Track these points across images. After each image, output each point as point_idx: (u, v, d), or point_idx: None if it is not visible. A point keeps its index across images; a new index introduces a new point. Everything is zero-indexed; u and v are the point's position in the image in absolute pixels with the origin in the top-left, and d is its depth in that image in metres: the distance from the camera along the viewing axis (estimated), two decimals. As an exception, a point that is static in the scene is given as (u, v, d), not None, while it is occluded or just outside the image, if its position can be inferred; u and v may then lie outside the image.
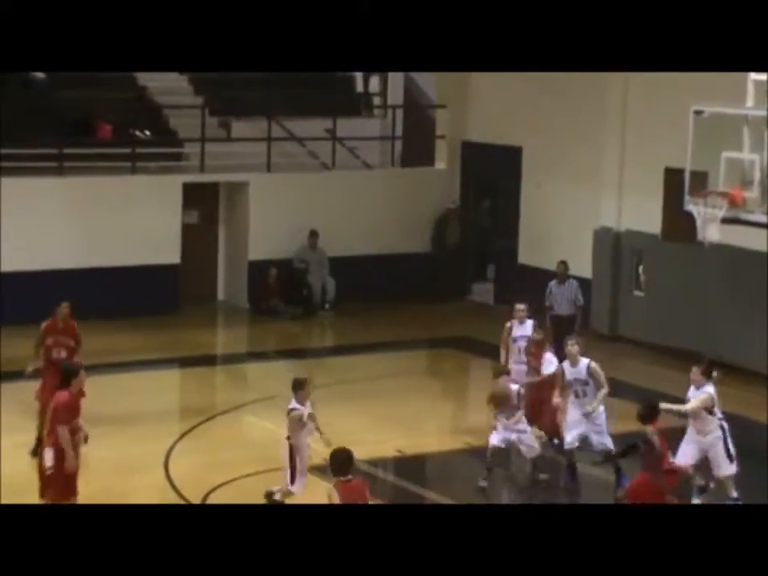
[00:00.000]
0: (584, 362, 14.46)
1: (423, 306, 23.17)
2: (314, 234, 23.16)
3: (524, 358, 15.73)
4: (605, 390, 14.41)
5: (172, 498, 13.65)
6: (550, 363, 15.23)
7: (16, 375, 17.16)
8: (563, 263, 18.93)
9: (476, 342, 21.24)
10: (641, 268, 21.17)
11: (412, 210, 24.11)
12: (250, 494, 13.85)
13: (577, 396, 14.50)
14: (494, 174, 24.23)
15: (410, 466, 15.53)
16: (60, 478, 11.85)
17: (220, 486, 14.01)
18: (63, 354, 15.06)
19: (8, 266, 20.82)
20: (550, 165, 22.71)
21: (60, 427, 11.80)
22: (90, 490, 13.69)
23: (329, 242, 23.16)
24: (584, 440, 14.46)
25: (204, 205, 23.30)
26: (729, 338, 19.22)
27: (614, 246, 21.40)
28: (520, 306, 16.05)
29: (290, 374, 16.60)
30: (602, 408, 14.48)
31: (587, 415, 14.33)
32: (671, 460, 12.35)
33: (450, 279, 24.23)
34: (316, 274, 23.24)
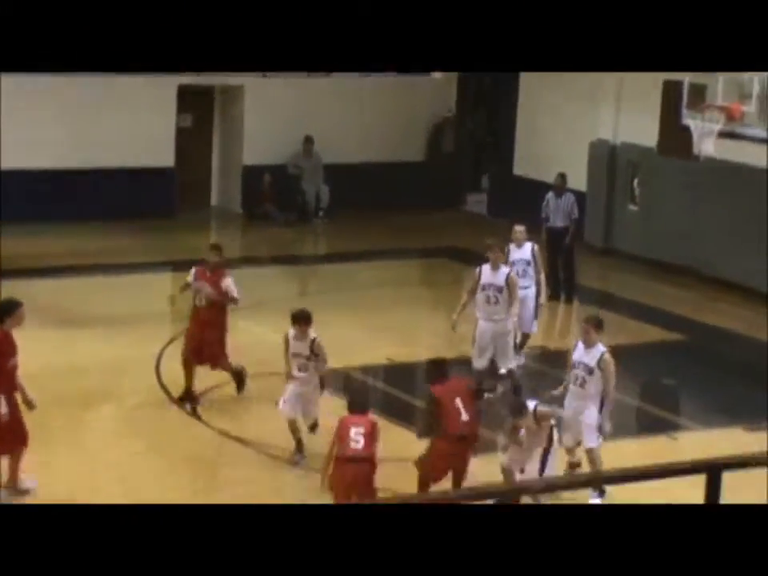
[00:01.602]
0: (504, 270, 13.95)
1: (417, 215, 23.15)
2: (309, 140, 23.05)
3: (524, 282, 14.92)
4: (516, 307, 13.96)
5: (161, 398, 13.72)
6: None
7: (12, 274, 17.19)
8: (561, 175, 18.86)
9: (469, 252, 21.23)
10: (636, 181, 21.12)
11: (408, 117, 23.98)
12: (239, 397, 13.94)
13: (488, 302, 13.93)
14: (490, 84, 24.07)
15: (400, 373, 15.61)
16: (12, 427, 10.98)
17: (211, 389, 14.09)
18: None
19: (10, 164, 20.69)
20: (547, 75, 22.55)
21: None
22: (84, 389, 13.83)
23: (324, 148, 23.05)
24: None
25: (199, 108, 23.15)
26: (725, 255, 19.20)
27: (609, 159, 21.33)
28: (519, 228, 15.36)
29: (282, 280, 16.68)
30: (509, 321, 13.91)
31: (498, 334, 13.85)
32: (464, 420, 11.05)
33: (445, 189, 24.18)
34: (310, 180, 23.16)
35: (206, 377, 14.24)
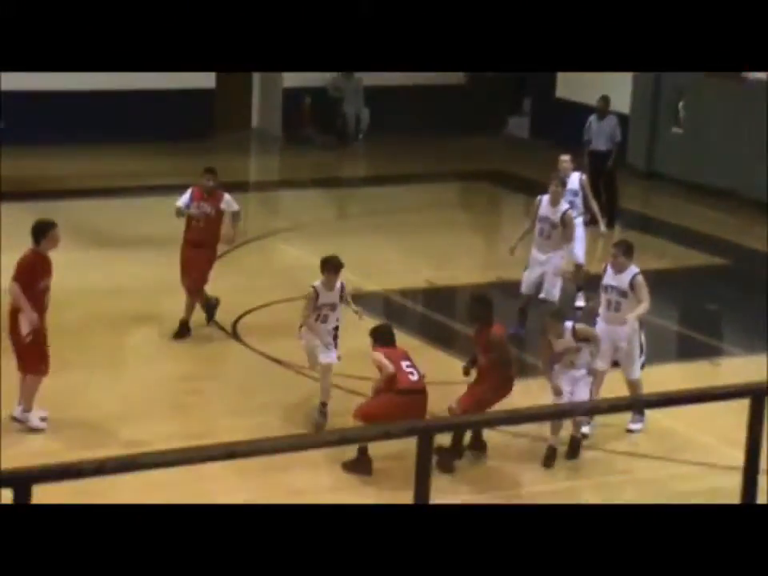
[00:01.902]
0: (564, 206, 13.66)
1: (458, 138, 22.97)
2: (349, 63, 22.85)
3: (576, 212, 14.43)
4: (570, 246, 13.81)
5: (200, 320, 13.73)
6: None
7: (51, 195, 17.21)
8: (604, 98, 18.65)
9: (510, 176, 21.11)
10: (681, 104, 20.84)
11: (449, 40, 23.72)
12: (278, 319, 13.94)
13: (540, 235, 13.66)
14: (534, 5, 23.76)
15: (439, 297, 15.57)
16: (35, 349, 10.88)
17: (251, 310, 14.10)
18: None
19: (49, 85, 20.67)
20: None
21: (16, 285, 10.78)
22: (124, 311, 13.87)
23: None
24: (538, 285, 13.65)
25: (239, 29, 22.98)
26: None
27: (654, 82, 21.03)
28: (564, 158, 14.93)
29: (321, 203, 16.63)
30: (560, 256, 13.62)
31: (546, 260, 13.58)
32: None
33: (486, 112, 23.96)
34: (351, 103, 23.01)
35: (242, 301, 14.26)
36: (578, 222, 14.62)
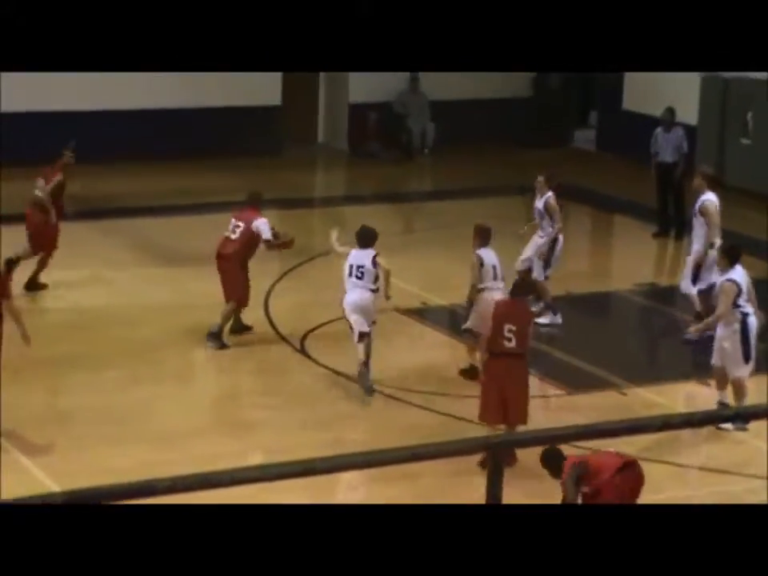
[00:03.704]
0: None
1: (524, 151, 22.90)
2: (415, 78, 22.89)
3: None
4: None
5: (272, 336, 13.80)
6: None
7: (120, 212, 17.36)
8: (670, 109, 18.53)
9: (577, 188, 21.01)
10: (749, 115, 20.64)
11: (515, 53, 23.66)
12: (345, 334, 13.96)
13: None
14: (599, 17, 23.64)
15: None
16: None
17: (319, 326, 14.13)
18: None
19: (117, 104, 20.92)
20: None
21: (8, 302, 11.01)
22: (194, 325, 13.96)
23: (430, 85, 22.88)
24: None
25: (304, 46, 23.09)
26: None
27: (722, 93, 20.85)
28: (540, 178, 15.00)
29: (387, 217, 16.65)
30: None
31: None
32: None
33: (552, 125, 23.88)
34: (416, 117, 23.03)
35: (312, 315, 14.30)
36: (541, 242, 14.75)
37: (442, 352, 13.88)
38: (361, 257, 12.58)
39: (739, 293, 11.73)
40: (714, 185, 14.41)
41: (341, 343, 13.72)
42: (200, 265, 16.15)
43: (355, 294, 12.47)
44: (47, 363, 12.62)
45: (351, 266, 12.53)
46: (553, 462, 9.28)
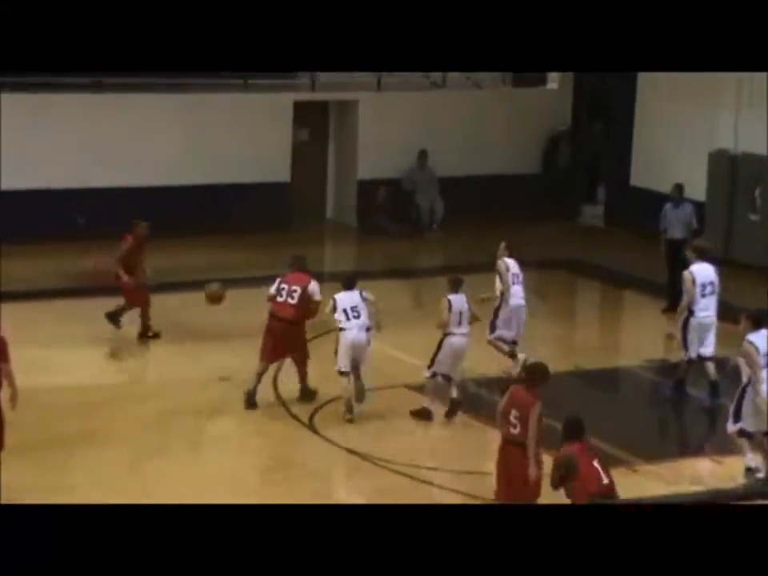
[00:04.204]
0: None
1: (532, 227, 22.97)
2: (423, 154, 23.04)
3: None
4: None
5: (280, 412, 13.79)
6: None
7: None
8: (678, 186, 18.61)
9: (585, 264, 21.06)
10: (757, 191, 20.72)
11: (523, 130, 23.84)
12: (356, 410, 13.93)
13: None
14: (607, 95, 23.83)
15: (517, 386, 15.46)
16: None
17: (328, 402, 14.11)
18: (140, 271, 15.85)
19: (121, 182, 21.09)
20: (665, 85, 22.26)
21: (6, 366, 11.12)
22: (205, 401, 13.96)
23: (438, 161, 23.02)
24: None
25: (314, 123, 23.28)
26: None
27: (730, 169, 20.96)
28: (502, 245, 15.83)
29: (397, 293, 16.67)
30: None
31: None
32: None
33: (560, 201, 23.97)
34: (425, 193, 23.15)
35: (321, 390, 14.29)
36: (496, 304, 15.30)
37: (453, 428, 13.84)
38: (351, 297, 13.71)
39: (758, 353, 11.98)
40: (702, 254, 14.86)
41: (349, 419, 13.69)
42: (211, 340, 16.18)
43: (353, 333, 13.59)
44: (57, 440, 12.61)
45: (346, 310, 13.60)
46: (572, 428, 9.90)
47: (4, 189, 20.14)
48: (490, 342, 15.00)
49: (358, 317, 13.66)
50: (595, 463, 9.88)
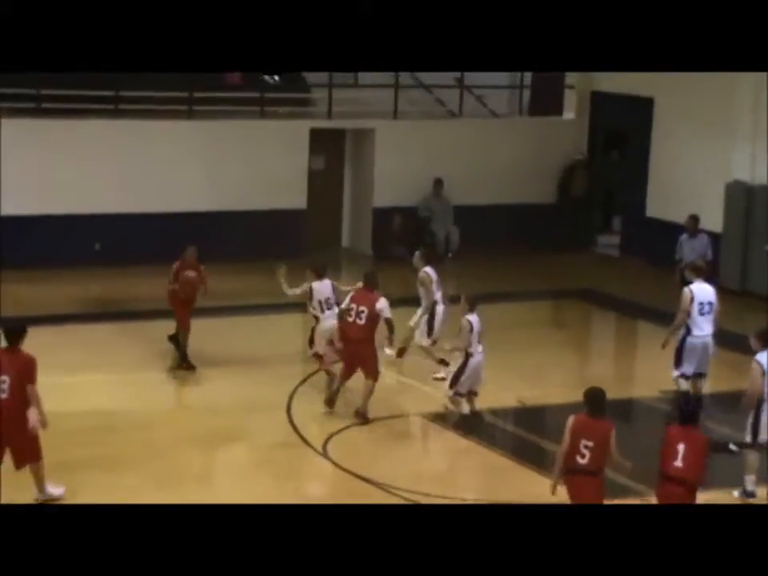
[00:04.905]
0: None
1: (548, 256, 22.97)
2: (439, 183, 23.07)
3: None
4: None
5: (294, 440, 13.77)
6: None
7: (146, 315, 17.42)
8: (693, 217, 18.64)
9: (600, 294, 21.03)
10: (774, 223, 20.69)
11: (538, 159, 23.87)
12: (370, 439, 13.91)
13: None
14: (623, 125, 23.85)
15: (531, 416, 15.44)
16: (36, 439, 11.53)
17: (341, 430, 14.09)
18: (190, 289, 16.04)
19: (137, 208, 21.17)
20: (682, 116, 22.28)
21: (33, 386, 11.41)
22: (216, 428, 13.95)
23: (454, 190, 23.05)
24: None
25: (330, 151, 23.34)
26: None
27: (746, 201, 20.94)
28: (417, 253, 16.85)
29: (410, 322, 16.68)
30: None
31: None
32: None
33: (576, 230, 23.98)
34: (440, 222, 23.17)
35: (331, 419, 14.26)
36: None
37: (467, 457, 13.82)
38: (325, 288, 14.68)
39: (763, 373, 12.22)
40: (700, 273, 15.17)
41: (362, 447, 13.67)
42: (224, 367, 16.18)
43: (329, 322, 14.48)
44: (66, 465, 12.60)
45: (321, 301, 14.58)
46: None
47: (16, 214, 20.24)
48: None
49: (330, 308, 14.58)
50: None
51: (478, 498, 12.41)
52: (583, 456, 10.42)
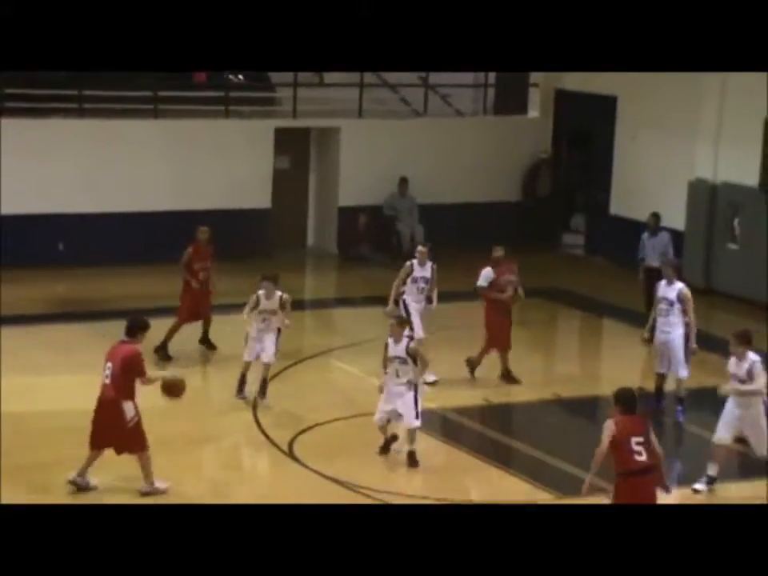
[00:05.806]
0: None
1: (512, 255, 23.00)
2: (404, 181, 23.10)
3: (422, 297, 16.27)
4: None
5: (260, 441, 13.76)
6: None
7: (116, 314, 17.37)
8: (654, 215, 18.76)
9: (565, 292, 21.11)
10: (736, 221, 20.82)
11: (503, 158, 23.93)
12: (334, 438, 13.91)
13: None
14: (587, 124, 23.94)
15: (497, 414, 15.49)
16: (140, 430, 12.10)
17: (306, 429, 14.08)
18: (204, 276, 16.66)
19: (101, 207, 21.09)
20: (645, 115, 22.39)
21: (140, 380, 12.05)
22: (184, 430, 13.91)
23: (419, 189, 23.08)
24: None
25: (295, 150, 23.32)
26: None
27: (709, 199, 21.06)
28: (422, 249, 16.54)
29: (377, 320, 16.69)
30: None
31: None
32: None
33: (540, 229, 24.05)
34: (405, 221, 23.19)
35: (297, 419, 14.25)
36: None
37: (434, 456, 13.84)
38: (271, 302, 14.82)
39: None
40: (677, 273, 15.43)
41: (329, 447, 13.67)
42: (192, 367, 16.13)
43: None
44: (35, 466, 12.54)
45: (264, 311, 14.80)
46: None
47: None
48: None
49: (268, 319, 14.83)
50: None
51: (445, 497, 12.43)
52: (640, 454, 10.33)
